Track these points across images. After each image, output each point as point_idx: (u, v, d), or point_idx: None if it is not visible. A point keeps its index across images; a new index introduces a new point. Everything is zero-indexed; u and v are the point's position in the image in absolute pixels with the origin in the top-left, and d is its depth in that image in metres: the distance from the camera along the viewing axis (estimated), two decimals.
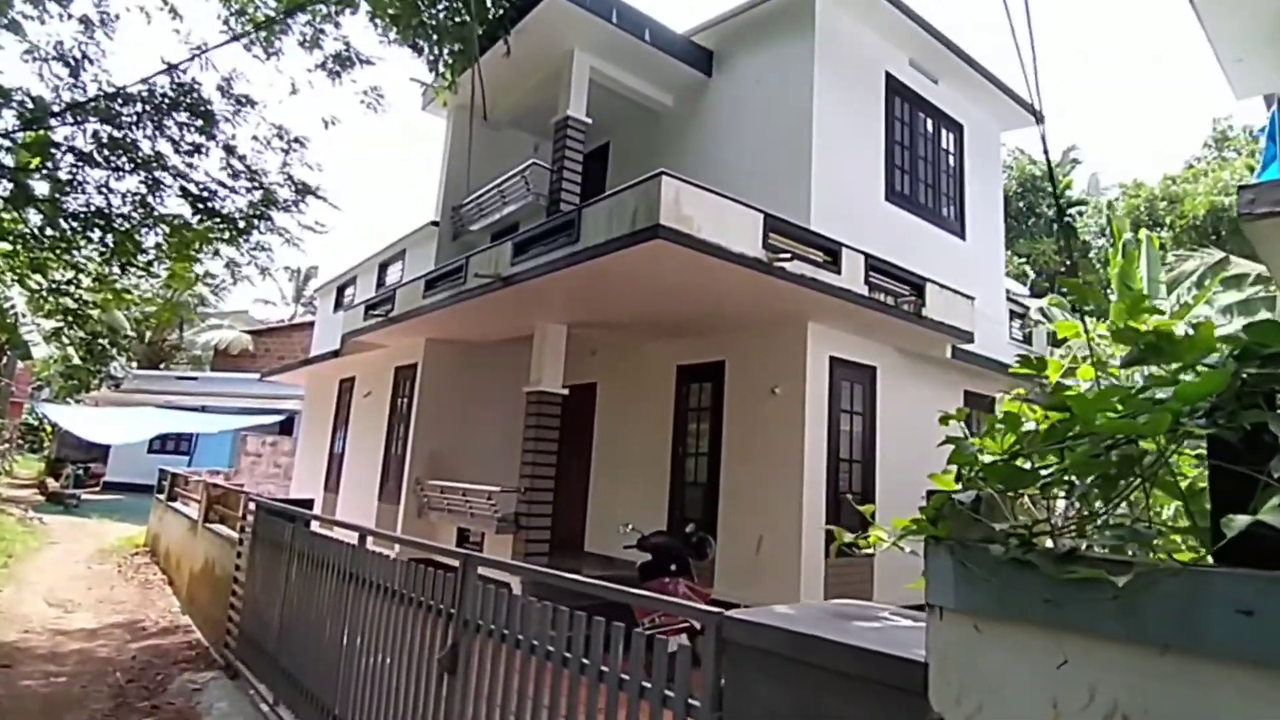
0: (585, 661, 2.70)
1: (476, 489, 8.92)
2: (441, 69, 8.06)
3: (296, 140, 8.34)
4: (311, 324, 29.16)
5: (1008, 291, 12.56)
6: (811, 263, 6.59)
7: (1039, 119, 9.68)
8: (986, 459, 1.66)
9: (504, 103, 11.77)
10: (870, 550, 2.32)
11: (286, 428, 24.55)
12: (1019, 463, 1.59)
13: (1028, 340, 13.84)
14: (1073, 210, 27.84)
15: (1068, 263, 26.72)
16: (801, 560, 7.49)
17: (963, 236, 10.24)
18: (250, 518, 6.69)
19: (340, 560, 4.66)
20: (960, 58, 9.75)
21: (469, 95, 11.46)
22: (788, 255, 6.18)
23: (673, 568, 6.90)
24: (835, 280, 6.78)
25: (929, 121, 10.03)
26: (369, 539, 4.57)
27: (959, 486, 1.71)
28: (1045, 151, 3.39)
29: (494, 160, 12.08)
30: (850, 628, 2.14)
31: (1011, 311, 12.78)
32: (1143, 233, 13.28)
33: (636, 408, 10.06)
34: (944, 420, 2.14)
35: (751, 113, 9.33)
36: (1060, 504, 1.71)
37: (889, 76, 9.48)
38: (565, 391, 8.94)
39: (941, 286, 8.01)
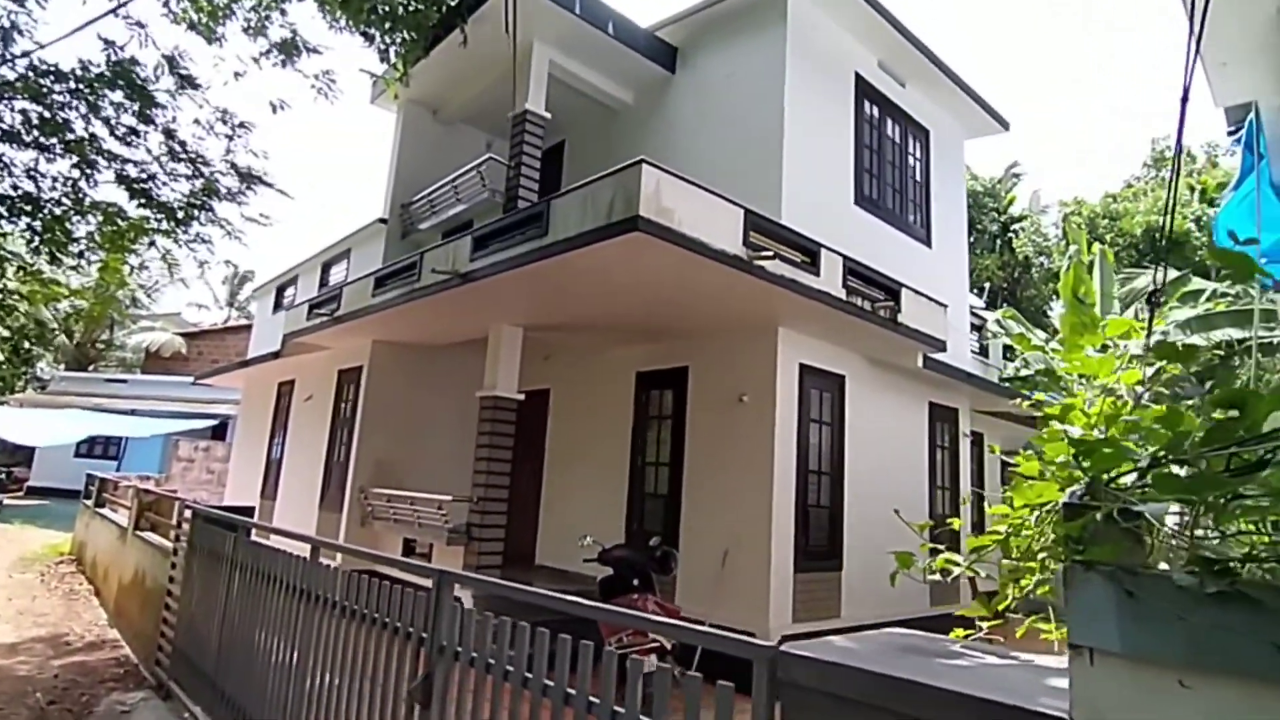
0: (593, 700, 2.30)
1: (426, 498, 8.41)
2: (393, 59, 7.61)
3: (242, 125, 7.80)
4: (247, 327, 28.04)
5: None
6: (790, 263, 6.30)
7: (1005, 125, 9.54)
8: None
9: (457, 98, 11.33)
10: (954, 570, 1.97)
11: (220, 432, 23.46)
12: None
13: (984, 352, 13.88)
14: (1015, 227, 28.41)
15: (1011, 279, 27.24)
16: (771, 575, 7.18)
17: (929, 244, 10.13)
18: (186, 526, 6.13)
19: (290, 574, 4.18)
20: (930, 60, 9.65)
21: (421, 89, 11.08)
22: (770, 254, 5.88)
23: (635, 582, 6.53)
24: (814, 282, 6.51)
25: (896, 126, 9.91)
26: (323, 552, 4.11)
27: (1079, 497, 1.36)
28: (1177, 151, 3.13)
29: (445, 157, 11.62)
30: (935, 666, 1.79)
31: (969, 324, 12.77)
32: (1096, 247, 13.47)
33: (593, 415, 9.67)
34: (1045, 419, 1.81)
35: (718, 111, 9.05)
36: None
37: (858, 78, 9.32)
38: (521, 397, 8.49)
39: (916, 293, 7.82)
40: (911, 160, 10.16)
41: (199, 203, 8.09)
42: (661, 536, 7.78)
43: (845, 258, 7.02)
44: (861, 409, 8.54)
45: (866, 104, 9.42)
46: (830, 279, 6.80)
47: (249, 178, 7.99)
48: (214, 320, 37.43)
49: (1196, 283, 15.50)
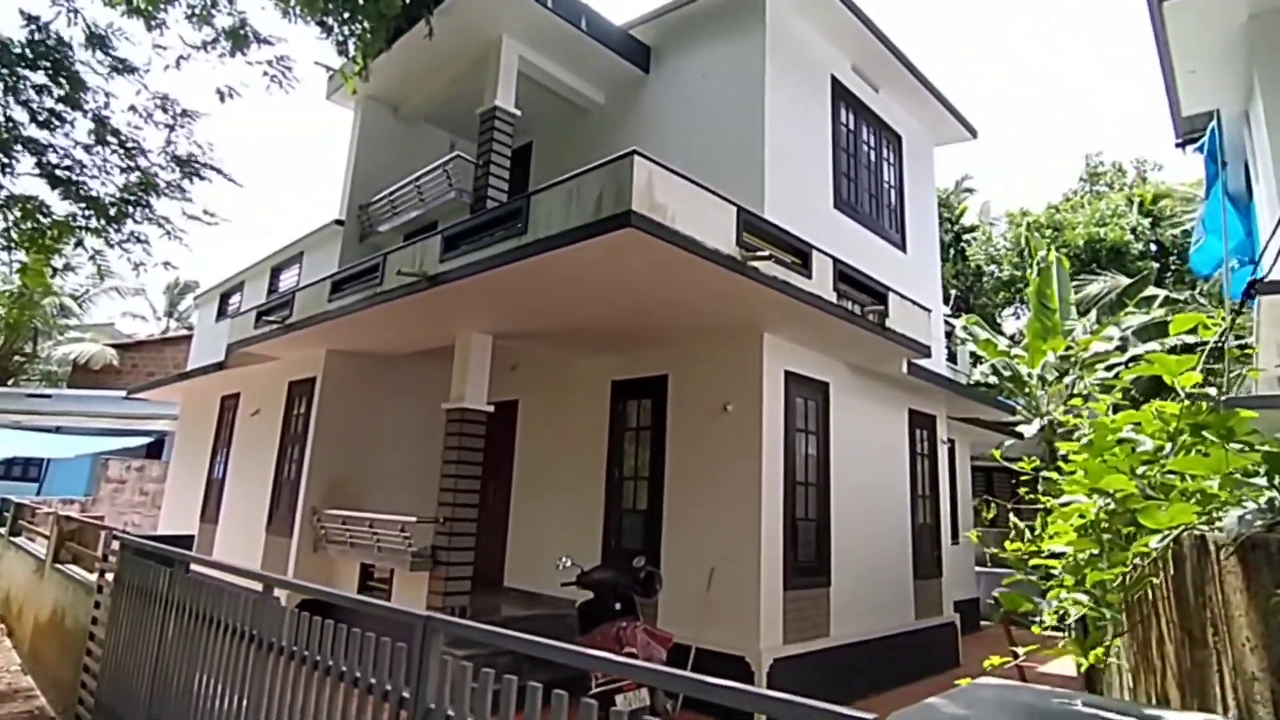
0: None
1: (386, 519, 7.81)
2: (352, 51, 7.06)
3: (185, 113, 7.10)
4: (186, 338, 26.65)
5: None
6: (782, 265, 5.96)
7: (973, 133, 9.42)
8: None
9: (419, 94, 10.79)
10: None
11: (155, 450, 22.12)
12: None
13: (953, 359, 13.83)
14: (966, 237, 28.85)
15: (965, 287, 27.62)
16: (761, 594, 6.81)
17: (904, 250, 9.96)
18: (113, 559, 5.44)
19: (238, 618, 3.60)
20: (904, 65, 9.49)
21: (381, 84, 10.50)
22: (766, 254, 5.52)
23: (617, 606, 6.08)
24: (806, 285, 6.18)
25: (871, 131, 9.73)
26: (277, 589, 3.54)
27: None
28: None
29: (406, 157, 11.05)
30: None
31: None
32: (1053, 254, 13.55)
33: (565, 428, 9.20)
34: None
35: (694, 112, 8.72)
36: None
37: (834, 81, 9.10)
38: (490, 409, 7.98)
39: (902, 297, 7.57)
40: (886, 166, 9.99)
41: (134, 198, 7.37)
42: (644, 556, 7.35)
43: (836, 260, 6.72)
44: (846, 417, 8.26)
45: (842, 108, 9.20)
46: (821, 282, 6.50)
47: (190, 166, 7.28)
48: (151, 332, 35.64)
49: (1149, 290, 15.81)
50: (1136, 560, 2.01)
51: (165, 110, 7.14)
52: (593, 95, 9.78)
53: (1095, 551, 2.82)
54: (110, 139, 6.90)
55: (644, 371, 8.30)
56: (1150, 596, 2.59)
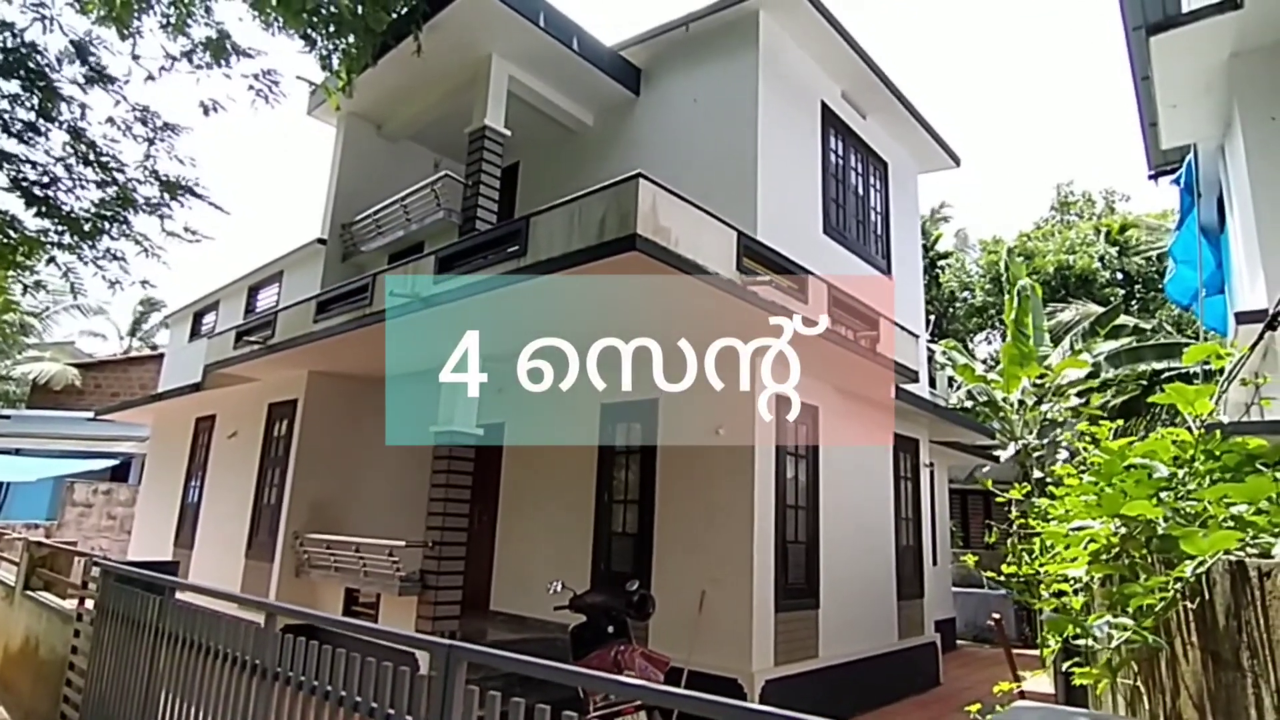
0: None
1: (373, 544, 7.68)
2: (336, 66, 7.03)
3: (166, 127, 6.98)
4: (152, 358, 26.12)
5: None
6: (779, 289, 6.01)
7: (956, 161, 9.64)
8: None
9: (404, 113, 10.78)
10: None
11: (121, 473, 21.55)
12: None
13: (932, 383, 14.02)
14: (940, 263, 29.41)
15: (939, 313, 28.07)
16: (753, 616, 6.79)
17: (889, 275, 10.11)
18: (93, 585, 5.27)
19: (236, 645, 3.51)
20: (892, 93, 9.69)
21: (364, 101, 10.48)
22: (766, 279, 5.58)
23: (610, 630, 6.02)
24: (803, 310, 6.24)
25: (858, 157, 9.90)
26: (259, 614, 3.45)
27: None
28: None
29: (389, 176, 11.01)
30: None
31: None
32: (1027, 281, 13.85)
33: (553, 451, 9.13)
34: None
35: (684, 135, 8.81)
36: None
37: (824, 107, 9.26)
38: (480, 432, 7.91)
39: (892, 323, 7.67)
40: (873, 192, 10.16)
41: (110, 214, 7.20)
42: (636, 579, 7.30)
43: (830, 285, 6.81)
44: (834, 441, 8.32)
45: (832, 134, 9.36)
46: (817, 307, 6.57)
47: (173, 187, 7.14)
48: (114, 351, 34.80)
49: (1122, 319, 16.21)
50: (1178, 584, 2.04)
51: (145, 123, 7.01)
52: (582, 116, 9.84)
53: (1112, 575, 2.86)
54: (86, 151, 6.75)
55: (634, 395, 8.28)
56: (1163, 619, 2.62)
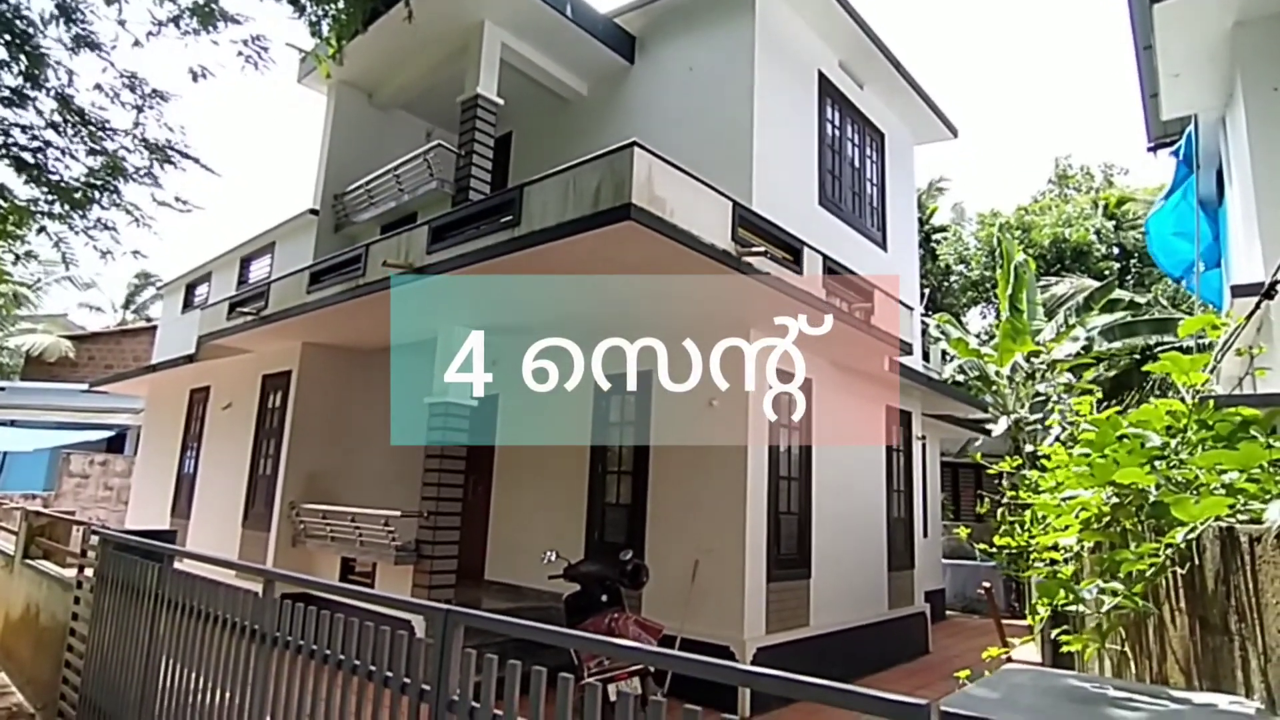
0: None
1: (369, 514, 7.71)
2: (326, 33, 6.90)
3: (155, 93, 6.86)
4: (146, 330, 25.99)
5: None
6: (775, 261, 5.99)
7: (954, 132, 9.54)
8: None
9: (395, 81, 10.64)
10: None
11: (116, 445, 21.55)
12: None
13: (925, 357, 14.04)
14: (936, 236, 29.32)
15: (934, 286, 28.04)
16: (745, 586, 6.86)
17: (885, 248, 10.07)
18: (91, 554, 5.29)
19: (237, 612, 3.53)
20: (890, 62, 9.56)
21: (355, 69, 10.33)
22: (761, 250, 5.55)
23: (604, 598, 6.09)
24: (798, 282, 6.22)
25: (854, 128, 9.80)
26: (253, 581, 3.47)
27: None
28: None
29: (381, 146, 10.89)
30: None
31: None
32: (1020, 256, 13.82)
33: (546, 423, 9.13)
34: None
35: (679, 104, 8.70)
36: None
37: (821, 77, 9.14)
38: (475, 403, 7.91)
39: (886, 294, 7.66)
40: (869, 164, 10.08)
41: (100, 182, 7.10)
42: (629, 549, 7.35)
43: (825, 257, 6.78)
44: (827, 413, 8.34)
45: (829, 104, 9.26)
46: (811, 279, 6.54)
47: (163, 154, 7.03)
48: (108, 324, 34.62)
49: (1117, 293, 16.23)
50: (1169, 550, 2.06)
51: (133, 90, 6.87)
52: (575, 85, 9.71)
53: (1103, 543, 2.89)
54: (74, 119, 6.63)
55: (627, 367, 8.27)
56: (1153, 584, 2.65)
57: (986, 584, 6.38)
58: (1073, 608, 2.21)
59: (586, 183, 5.01)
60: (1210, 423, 2.73)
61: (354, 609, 3.44)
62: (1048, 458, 4.60)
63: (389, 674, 2.70)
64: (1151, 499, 2.46)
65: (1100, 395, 4.18)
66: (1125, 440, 2.87)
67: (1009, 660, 4.15)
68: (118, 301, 37.20)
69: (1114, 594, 2.11)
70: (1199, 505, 1.87)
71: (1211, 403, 2.71)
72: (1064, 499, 3.10)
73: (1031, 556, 4.32)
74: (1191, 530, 1.97)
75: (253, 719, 3.25)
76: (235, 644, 3.48)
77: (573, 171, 5.19)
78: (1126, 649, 3.18)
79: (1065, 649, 4.14)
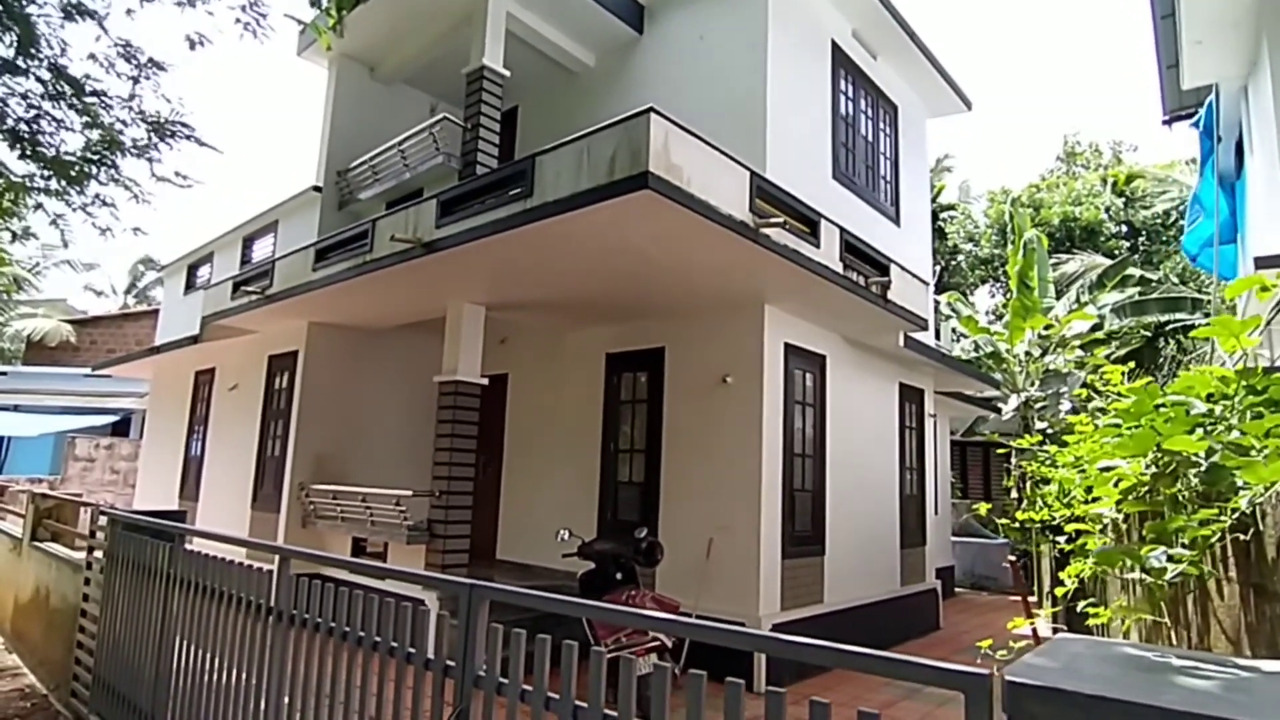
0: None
1: (380, 494, 7.65)
2: (325, 3, 6.75)
3: (152, 63, 6.72)
4: (149, 314, 25.90)
5: None
6: (793, 233, 5.87)
7: (968, 105, 9.36)
8: None
9: (398, 54, 10.49)
10: None
11: (121, 429, 21.52)
12: None
13: (936, 334, 13.93)
14: (944, 215, 29.06)
15: (942, 265, 27.85)
16: (760, 562, 6.81)
17: (898, 223, 9.93)
18: (101, 535, 5.24)
19: (250, 590, 3.46)
20: (905, 32, 9.33)
21: (356, 42, 10.16)
22: (780, 220, 5.42)
23: (618, 576, 6.05)
24: (816, 255, 6.10)
25: (868, 100, 9.62)
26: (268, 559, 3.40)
27: None
28: None
29: (384, 121, 10.74)
30: (1208, 690, 1.38)
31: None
32: (1031, 232, 13.67)
33: (558, 401, 9.08)
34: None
35: (690, 75, 8.52)
36: None
37: (834, 46, 8.96)
38: (485, 381, 7.83)
39: (902, 269, 7.54)
40: (882, 137, 9.91)
41: (97, 157, 6.96)
42: (644, 527, 7.30)
43: (842, 230, 6.65)
44: (841, 390, 8.25)
45: (842, 75, 9.08)
46: (829, 252, 6.43)
47: (162, 130, 6.89)
48: (110, 308, 34.53)
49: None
50: (1233, 514, 1.98)
51: (129, 60, 6.72)
52: (583, 56, 9.53)
53: (1146, 512, 2.80)
54: (70, 91, 6.48)
55: (640, 344, 8.19)
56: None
57: (1012, 558, 6.32)
58: (1124, 575, 2.12)
59: (601, 151, 4.88)
60: (1259, 387, 2.64)
61: (368, 589, 3.38)
62: (1069, 431, 4.51)
63: (411, 650, 2.63)
64: (1203, 466, 2.37)
65: (1123, 369, 4.10)
66: (1163, 409, 2.79)
67: (1036, 633, 4.09)
68: (120, 286, 37.16)
69: (1179, 559, 2.03)
70: (1269, 467, 1.78)
71: (1260, 368, 2.61)
72: (1100, 469, 3.02)
73: (1046, 532, 4.26)
74: (1255, 495, 1.89)
75: (270, 697, 3.18)
76: (251, 623, 3.42)
77: (586, 140, 5.06)
78: (1164, 620, 3.10)
79: (1092, 620, 4.07)
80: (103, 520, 5.28)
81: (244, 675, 3.40)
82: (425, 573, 2.56)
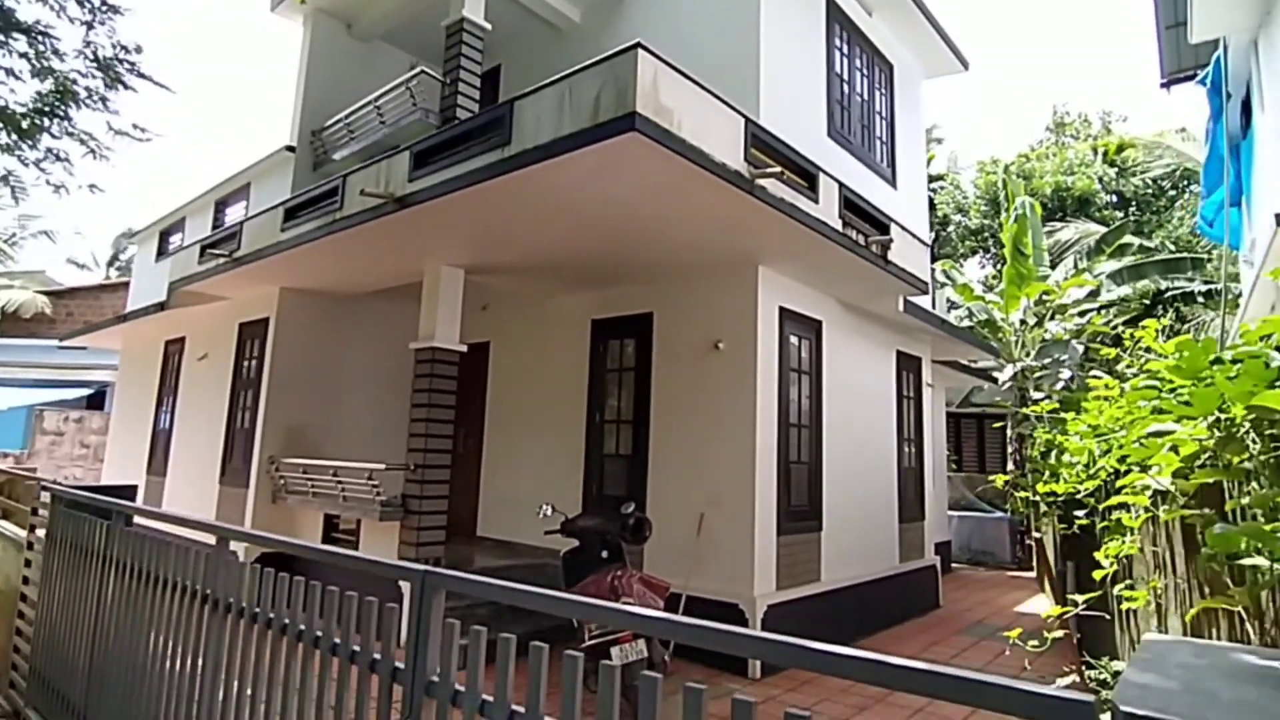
0: None
1: (352, 467, 7.26)
2: None
3: (106, 5, 6.22)
4: (124, 284, 25.17)
5: None
6: (790, 186, 5.46)
7: (965, 64, 8.91)
8: None
9: (375, 9, 9.95)
10: None
11: (97, 402, 20.95)
12: None
13: (931, 304, 13.61)
14: (933, 185, 28.64)
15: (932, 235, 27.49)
16: (755, 539, 6.47)
17: (894, 185, 9.52)
18: (44, 512, 4.83)
19: (187, 574, 3.08)
20: None
21: None
22: (777, 171, 5.01)
23: (604, 554, 5.70)
24: (814, 210, 5.70)
25: (863, 58, 9.17)
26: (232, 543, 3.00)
27: None
28: None
29: (361, 79, 10.20)
30: None
31: None
32: (1026, 199, 13.29)
33: (541, 370, 8.69)
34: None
35: (679, 30, 8.04)
36: None
37: (829, 2, 8.49)
38: (464, 348, 7.42)
39: (902, 229, 7.15)
40: (878, 96, 9.47)
41: (48, 108, 6.49)
42: (631, 501, 6.95)
43: (841, 185, 6.25)
44: (837, 357, 7.90)
45: (836, 31, 8.62)
46: (828, 208, 6.02)
47: (113, 72, 6.42)
48: (93, 280, 33.69)
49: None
50: None
51: (81, 4, 6.24)
52: (567, 11, 9.03)
53: (1219, 481, 2.47)
54: (16, 35, 5.99)
55: (627, 309, 7.80)
56: None
57: (1038, 535, 6.03)
58: (1261, 560, 1.78)
59: (585, 92, 4.44)
60: None
61: (334, 571, 3.00)
62: (1073, 399, 4.15)
63: (355, 649, 2.26)
64: None
65: (1157, 325, 3.73)
66: (1222, 365, 2.43)
67: (1062, 619, 3.76)
68: (103, 259, 36.30)
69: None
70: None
71: None
72: (1150, 434, 2.67)
73: (1079, 503, 3.95)
74: None
75: (204, 698, 2.81)
76: (186, 610, 3.03)
77: (569, 80, 4.62)
78: (1238, 610, 2.76)
79: (1125, 606, 3.74)
80: (46, 496, 4.87)
81: (182, 670, 3.02)
82: (373, 557, 2.18)
